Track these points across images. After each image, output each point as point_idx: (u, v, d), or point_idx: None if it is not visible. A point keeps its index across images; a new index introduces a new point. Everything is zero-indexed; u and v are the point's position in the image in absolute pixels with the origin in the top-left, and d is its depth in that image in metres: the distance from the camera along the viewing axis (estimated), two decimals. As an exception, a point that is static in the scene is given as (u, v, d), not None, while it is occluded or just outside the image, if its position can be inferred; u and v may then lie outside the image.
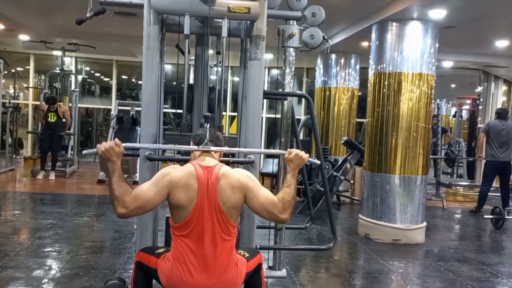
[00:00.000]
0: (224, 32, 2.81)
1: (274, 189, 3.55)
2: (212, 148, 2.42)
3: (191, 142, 2.49)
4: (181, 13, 2.82)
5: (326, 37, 3.22)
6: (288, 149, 2.46)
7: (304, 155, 2.40)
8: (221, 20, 2.85)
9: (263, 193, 2.32)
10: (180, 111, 3.10)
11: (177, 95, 3.08)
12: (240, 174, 2.33)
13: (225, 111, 9.61)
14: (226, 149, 2.54)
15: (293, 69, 3.42)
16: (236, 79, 11.23)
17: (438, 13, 5.22)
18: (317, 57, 8.53)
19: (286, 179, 2.38)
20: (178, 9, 2.83)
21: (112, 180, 2.17)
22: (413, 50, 5.45)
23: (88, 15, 2.99)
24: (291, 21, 3.28)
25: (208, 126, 2.47)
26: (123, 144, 2.25)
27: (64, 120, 8.96)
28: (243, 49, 3.18)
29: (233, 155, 3.07)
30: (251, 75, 2.98)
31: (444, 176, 9.66)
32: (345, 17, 6.44)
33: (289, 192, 2.33)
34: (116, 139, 2.26)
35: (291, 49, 3.30)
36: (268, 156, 10.72)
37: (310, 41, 3.22)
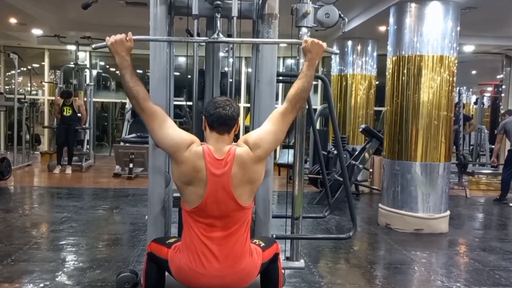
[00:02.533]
0: (234, 12, 2.66)
1: (291, 180, 3.43)
2: (221, 39, 2.46)
3: (203, 118, 2.25)
4: (189, -8, 2.69)
5: (342, 15, 3.05)
6: (304, 39, 2.37)
7: (321, 42, 2.29)
8: (231, 1, 2.71)
9: (268, 130, 2.22)
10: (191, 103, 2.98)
11: (190, 87, 2.95)
12: (250, 152, 2.15)
13: (239, 101, 9.50)
14: (238, 40, 2.55)
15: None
16: (250, 70, 11.11)
17: (460, -8, 5.00)
18: (332, 45, 8.32)
19: (302, 70, 2.31)
20: (186, -13, 2.70)
21: (126, 76, 2.20)
22: (433, 33, 5.23)
23: (93, -2, 2.88)
24: (305, -1, 3.12)
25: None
26: (134, 37, 2.18)
27: (79, 114, 8.95)
28: (255, 31, 3.04)
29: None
30: (264, 56, 2.84)
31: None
32: (361, 0, 6.24)
33: (301, 85, 2.26)
34: (130, 33, 2.20)
35: (306, 29, 3.14)
36: (284, 147, 10.59)
37: (325, 20, 3.06)
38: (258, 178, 2.18)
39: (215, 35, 2.48)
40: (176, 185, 2.17)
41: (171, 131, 2.15)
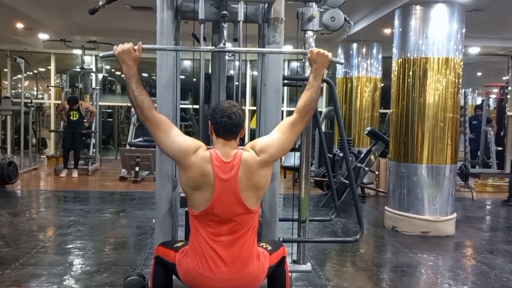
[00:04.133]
0: (240, 16, 2.67)
1: (296, 182, 3.45)
2: (228, 48, 2.47)
3: (209, 122, 2.29)
4: (195, -3, 2.70)
5: (347, 19, 3.06)
6: (310, 49, 2.35)
7: (327, 52, 2.29)
8: (237, 6, 2.73)
9: (277, 138, 2.24)
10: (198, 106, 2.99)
11: (196, 91, 2.97)
12: (256, 157, 2.17)
13: (244, 104, 9.50)
14: (244, 49, 2.56)
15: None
16: (255, 73, 11.13)
17: (465, -6, 5.00)
18: (337, 47, 8.33)
19: (309, 81, 2.30)
20: (192, -8, 2.72)
21: (132, 85, 2.18)
22: (438, 35, 5.22)
23: (100, 3, 2.90)
24: (311, 3, 3.13)
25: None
26: (143, 46, 2.19)
27: (87, 110, 9.04)
28: (261, 35, 3.06)
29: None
30: (270, 59, 2.85)
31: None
32: (366, 2, 6.24)
33: (310, 95, 2.28)
34: (139, 42, 2.22)
35: (311, 33, 3.15)
36: (290, 149, 10.59)
37: (331, 23, 3.06)
38: (264, 184, 2.19)
39: (222, 44, 2.49)
40: (184, 190, 2.19)
41: (178, 139, 2.16)
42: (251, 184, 2.13)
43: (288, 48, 6.92)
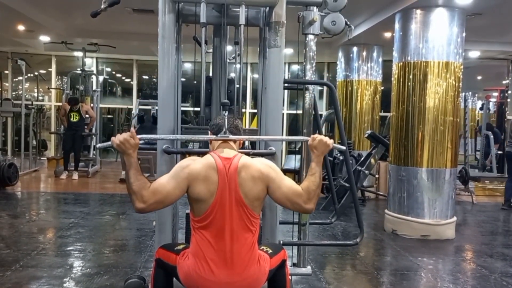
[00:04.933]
0: (242, 20, 2.69)
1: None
2: (231, 137, 2.32)
3: (209, 132, 2.41)
4: (197, 1, 2.71)
5: (348, 23, 3.07)
6: (312, 135, 2.33)
7: (329, 140, 2.28)
8: (238, 9, 2.74)
9: (287, 183, 2.20)
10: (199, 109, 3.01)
11: (197, 93, 2.98)
12: (262, 164, 2.22)
13: (245, 107, 9.51)
14: (245, 137, 2.44)
15: (314, 57, 3.27)
16: (256, 76, 11.13)
17: (465, -2, 5.01)
18: (338, 51, 8.35)
19: (311, 167, 2.26)
20: (194, -4, 2.73)
21: (130, 174, 2.09)
22: (439, 39, 5.24)
23: (102, 6, 2.92)
24: (312, 7, 3.14)
25: (226, 113, 2.36)
26: (139, 136, 2.17)
27: (87, 116, 9.03)
28: (262, 39, 3.06)
29: (253, 146, 2.97)
30: (271, 63, 2.86)
31: (471, 170, 9.35)
32: (366, 6, 6.26)
33: (314, 180, 2.21)
34: (132, 130, 2.18)
35: (312, 37, 3.16)
36: (290, 152, 10.59)
37: (332, 27, 3.07)
38: (262, 190, 2.20)
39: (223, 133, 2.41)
40: (187, 196, 2.19)
41: (174, 182, 2.12)
42: (253, 192, 2.15)
43: (289, 50, 6.96)
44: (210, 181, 2.12)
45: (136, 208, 2.09)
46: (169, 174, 2.17)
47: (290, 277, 2.57)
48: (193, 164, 2.16)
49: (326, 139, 2.29)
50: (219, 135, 2.33)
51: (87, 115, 9.06)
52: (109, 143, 2.17)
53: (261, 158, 2.34)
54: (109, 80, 13.13)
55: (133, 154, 2.13)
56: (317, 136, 2.31)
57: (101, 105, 10.89)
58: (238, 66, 3.00)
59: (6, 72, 11.91)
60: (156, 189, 2.10)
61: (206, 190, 2.12)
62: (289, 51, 6.89)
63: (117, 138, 2.12)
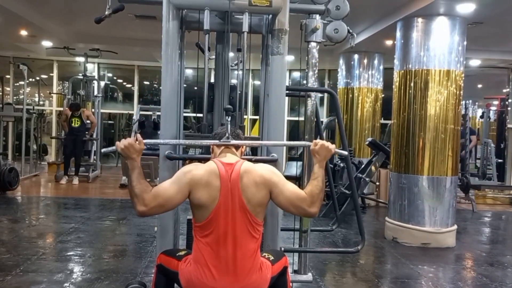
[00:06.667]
0: (245, 27, 2.71)
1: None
2: (233, 142, 2.33)
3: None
4: (201, 8, 2.74)
5: (351, 31, 3.09)
6: (314, 140, 2.34)
7: (331, 145, 2.29)
8: (241, 16, 2.76)
9: (289, 188, 2.21)
10: (201, 115, 3.02)
11: (198, 99, 2.99)
12: (264, 169, 2.22)
13: (246, 114, 9.51)
14: (247, 142, 2.46)
15: (316, 64, 3.29)
16: (257, 82, 11.15)
17: (466, 8, 5.03)
18: (339, 58, 8.37)
19: (313, 171, 2.27)
20: (198, 3, 2.75)
21: (132, 177, 2.11)
22: (440, 48, 5.26)
23: (106, 13, 2.93)
24: (314, 15, 3.16)
25: (229, 119, 2.37)
26: (144, 141, 2.19)
27: (88, 121, 9.04)
28: (265, 46, 3.08)
29: (254, 153, 2.97)
30: (274, 70, 2.87)
31: (472, 179, 9.35)
32: (368, 14, 6.29)
33: (317, 184, 2.21)
34: (138, 135, 2.19)
35: (314, 44, 3.17)
36: (291, 159, 10.59)
37: (334, 35, 3.09)
38: (265, 196, 2.20)
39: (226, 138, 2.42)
40: (190, 201, 2.20)
41: (176, 187, 2.13)
42: (255, 198, 2.15)
43: (290, 57, 6.95)
44: (212, 187, 2.12)
45: (138, 211, 2.10)
46: (171, 179, 2.18)
47: (291, 284, 2.56)
48: (195, 169, 2.16)
49: (328, 144, 2.30)
50: (221, 140, 2.35)
51: (88, 121, 9.08)
52: (114, 147, 2.19)
53: (263, 164, 2.34)
54: (110, 86, 13.16)
55: (137, 159, 2.15)
56: (319, 141, 2.32)
57: (102, 110, 10.90)
58: (240, 72, 3.01)
59: (8, 76, 11.95)
60: (157, 193, 2.12)
61: (208, 195, 2.12)
62: (290, 58, 6.90)
63: (122, 143, 2.13)
